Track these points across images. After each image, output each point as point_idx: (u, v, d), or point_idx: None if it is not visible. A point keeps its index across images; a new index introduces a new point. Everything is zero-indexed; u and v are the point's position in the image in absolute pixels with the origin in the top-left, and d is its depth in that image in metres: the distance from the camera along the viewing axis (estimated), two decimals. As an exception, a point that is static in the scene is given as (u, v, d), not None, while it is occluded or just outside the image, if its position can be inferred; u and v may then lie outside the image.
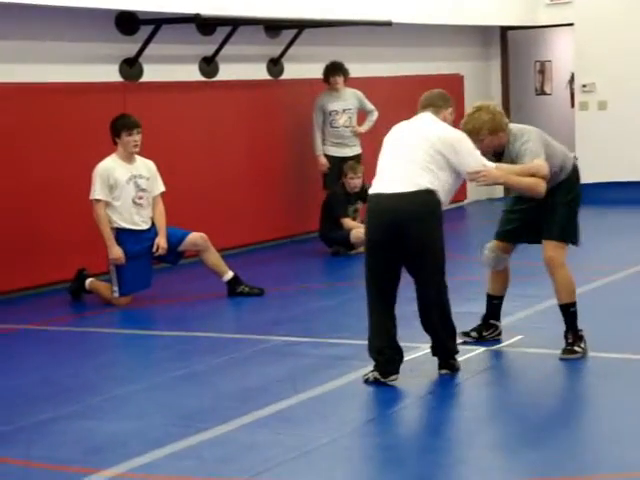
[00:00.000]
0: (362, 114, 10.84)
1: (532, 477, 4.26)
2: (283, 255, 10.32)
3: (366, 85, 11.41)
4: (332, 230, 10.11)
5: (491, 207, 13.45)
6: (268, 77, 10.87)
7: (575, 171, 6.05)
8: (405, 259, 5.59)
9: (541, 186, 5.76)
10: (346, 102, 10.65)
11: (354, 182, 10.13)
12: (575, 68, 13.86)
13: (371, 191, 5.70)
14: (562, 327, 6.22)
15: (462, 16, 12.64)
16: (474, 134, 5.80)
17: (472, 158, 5.64)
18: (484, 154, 5.81)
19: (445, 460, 4.49)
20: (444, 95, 5.85)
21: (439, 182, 5.53)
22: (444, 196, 5.58)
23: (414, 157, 5.54)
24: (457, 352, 5.76)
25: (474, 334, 6.31)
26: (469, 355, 6.01)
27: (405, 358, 5.86)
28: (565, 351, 5.96)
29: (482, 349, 6.12)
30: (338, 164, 10.46)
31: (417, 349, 6.11)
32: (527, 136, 5.87)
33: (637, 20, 13.17)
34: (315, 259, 10.07)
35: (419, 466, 4.42)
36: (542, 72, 15.40)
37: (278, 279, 8.99)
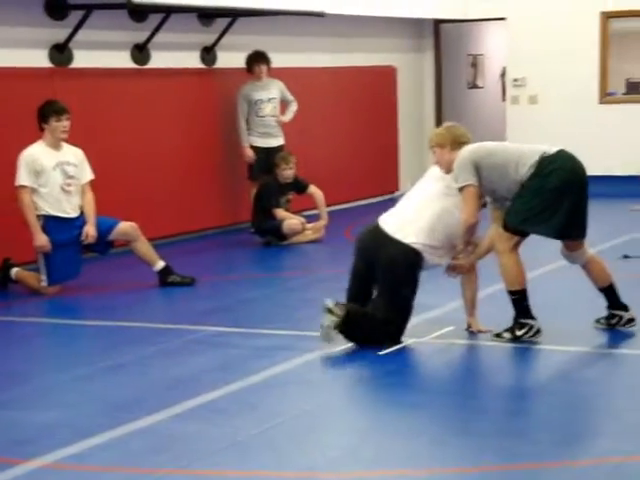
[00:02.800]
0: (282, 104, 10.81)
1: (456, 466, 4.29)
2: (215, 245, 10.27)
3: (299, 75, 11.41)
4: (264, 221, 10.08)
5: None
6: (201, 65, 10.79)
7: (540, 166, 5.88)
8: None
9: (464, 226, 6.00)
10: (270, 91, 10.62)
11: (286, 173, 10.11)
12: (507, 62, 14.01)
13: (380, 219, 6.18)
14: (492, 318, 6.30)
15: (395, 8, 12.68)
16: (429, 142, 6.28)
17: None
18: (441, 168, 6.17)
19: (373, 449, 4.50)
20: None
21: (430, 248, 6.03)
22: (433, 257, 6.08)
23: (429, 223, 6.04)
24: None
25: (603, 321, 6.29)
26: (398, 346, 6.04)
27: (340, 348, 5.90)
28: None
29: (411, 340, 6.15)
30: (264, 155, 10.45)
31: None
32: (456, 160, 6.02)
33: (567, 15, 13.34)
34: (247, 249, 10.03)
35: (347, 454, 4.43)
36: (474, 65, 15.53)
37: (210, 269, 8.95)
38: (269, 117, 10.61)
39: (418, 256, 6.01)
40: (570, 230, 6.04)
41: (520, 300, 6.03)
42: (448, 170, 6.11)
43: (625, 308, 6.25)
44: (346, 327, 5.95)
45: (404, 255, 6.00)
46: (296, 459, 4.39)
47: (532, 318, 6.05)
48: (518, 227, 5.98)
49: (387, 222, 6.14)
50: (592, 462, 4.27)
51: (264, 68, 10.57)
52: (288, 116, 10.78)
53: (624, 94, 13.52)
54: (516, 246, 6.02)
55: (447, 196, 6.13)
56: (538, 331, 6.04)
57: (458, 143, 6.07)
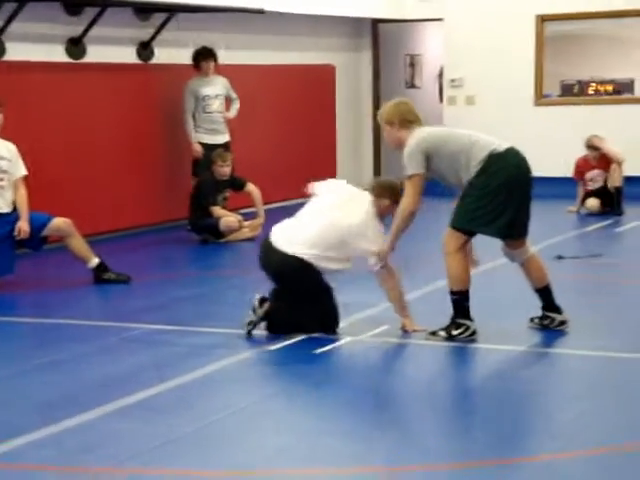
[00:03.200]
0: (226, 102, 10.79)
1: (391, 465, 4.31)
2: (151, 242, 10.19)
3: (237, 73, 11.36)
4: (201, 218, 10.03)
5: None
6: (138, 61, 10.70)
7: (489, 163, 5.90)
8: None
9: (405, 212, 6.00)
10: (216, 87, 10.59)
11: (223, 170, 10.06)
12: (444, 63, 14.11)
13: (272, 231, 6.27)
14: (427, 317, 6.34)
15: (334, 7, 12.70)
16: (378, 119, 6.23)
17: (370, 244, 6.12)
18: (389, 145, 6.26)
19: (308, 447, 4.50)
20: (391, 187, 6.24)
21: (320, 256, 6.09)
22: (329, 264, 6.14)
23: (316, 233, 6.10)
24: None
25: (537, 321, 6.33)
26: (334, 345, 6.05)
27: (273, 347, 5.90)
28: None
29: (348, 338, 6.17)
30: (210, 151, 10.39)
31: (286, 337, 6.14)
32: (408, 146, 6.01)
33: (504, 17, 13.49)
34: (184, 247, 9.97)
35: (282, 452, 4.42)
36: (412, 65, 15.61)
37: (146, 267, 8.88)
38: (216, 113, 10.58)
39: (304, 264, 6.08)
40: (514, 229, 6.09)
41: (461, 301, 6.06)
42: (397, 147, 6.15)
43: (558, 310, 6.33)
44: (268, 325, 6.19)
45: (287, 265, 6.11)
46: (230, 457, 4.38)
47: (469, 319, 6.09)
48: (465, 227, 6.02)
49: (276, 234, 6.23)
50: (526, 459, 4.32)
51: (212, 64, 10.54)
52: (232, 113, 10.77)
53: (559, 96, 13.71)
54: (464, 245, 6.06)
55: (340, 207, 6.19)
56: (474, 332, 6.08)
57: (407, 121, 6.08)
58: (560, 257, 8.61)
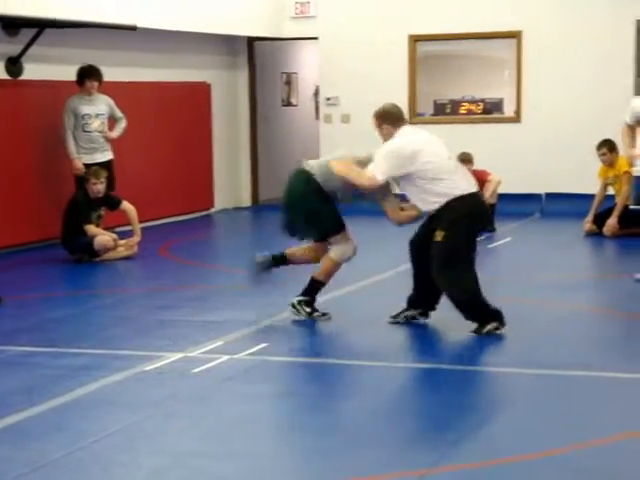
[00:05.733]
0: (111, 121, 10.63)
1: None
2: (24, 262, 9.92)
3: (110, 90, 11.19)
4: (75, 237, 9.81)
5: (238, 215, 13.54)
6: (6, 77, 10.43)
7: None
8: None
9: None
10: (99, 107, 10.43)
11: (96, 187, 9.87)
12: (320, 81, 14.19)
13: None
14: (305, 337, 6.31)
15: (208, 25, 12.64)
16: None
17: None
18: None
19: (185, 469, 4.42)
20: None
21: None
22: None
23: None
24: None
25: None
26: (213, 363, 5.97)
27: (149, 367, 5.79)
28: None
29: (225, 357, 6.10)
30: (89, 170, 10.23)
31: (162, 358, 6.03)
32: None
33: (377, 37, 13.64)
34: (57, 266, 9.73)
35: (157, 475, 4.33)
36: (288, 83, 15.66)
37: (17, 287, 8.62)
38: (95, 133, 10.41)
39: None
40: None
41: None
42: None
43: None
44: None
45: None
46: (103, 482, 4.26)
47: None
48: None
49: None
50: (402, 474, 4.33)
51: (95, 84, 10.37)
52: (117, 132, 10.62)
53: (432, 115, 13.93)
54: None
55: None
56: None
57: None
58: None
